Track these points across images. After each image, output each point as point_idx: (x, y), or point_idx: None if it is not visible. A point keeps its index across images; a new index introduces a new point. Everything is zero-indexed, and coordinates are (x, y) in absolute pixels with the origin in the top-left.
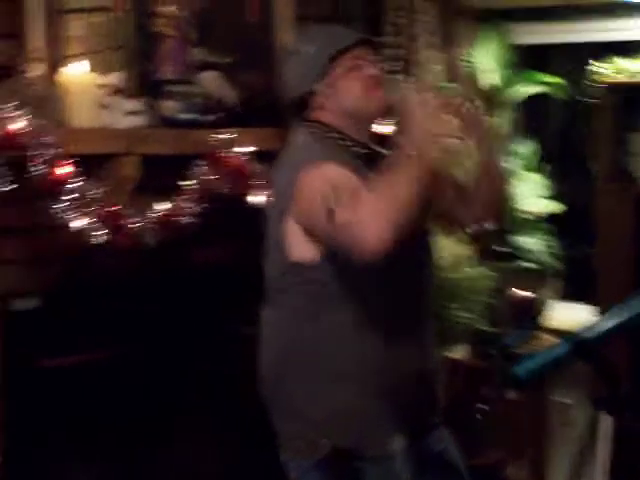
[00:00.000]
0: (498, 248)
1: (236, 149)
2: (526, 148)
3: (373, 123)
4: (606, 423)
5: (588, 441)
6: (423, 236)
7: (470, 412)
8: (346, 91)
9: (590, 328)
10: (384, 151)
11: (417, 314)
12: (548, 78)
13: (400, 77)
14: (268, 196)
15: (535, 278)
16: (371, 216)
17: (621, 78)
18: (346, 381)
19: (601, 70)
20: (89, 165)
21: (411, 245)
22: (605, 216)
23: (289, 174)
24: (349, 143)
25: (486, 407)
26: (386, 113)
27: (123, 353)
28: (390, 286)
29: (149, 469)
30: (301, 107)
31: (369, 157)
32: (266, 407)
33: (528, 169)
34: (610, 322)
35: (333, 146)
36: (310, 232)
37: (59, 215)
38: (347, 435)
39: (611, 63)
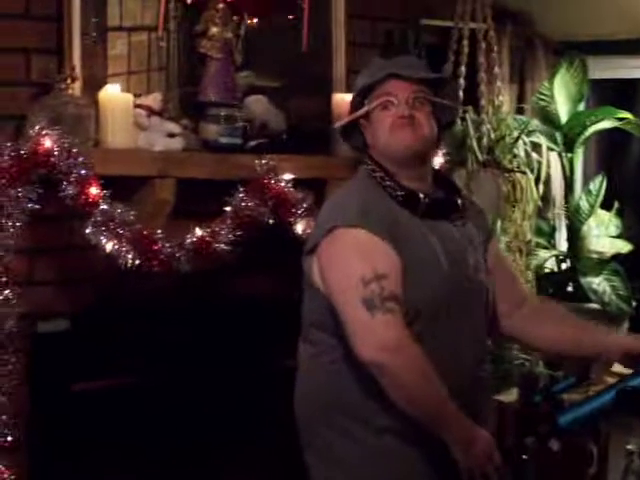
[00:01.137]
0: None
1: (279, 176)
2: (598, 185)
3: (415, 165)
4: None
5: None
6: (478, 284)
7: (516, 460)
8: (375, 128)
9: (635, 376)
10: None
11: (464, 361)
12: (624, 114)
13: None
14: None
15: (600, 320)
16: (384, 344)
17: None
18: (381, 427)
19: None
20: (123, 187)
21: (462, 294)
22: None
23: (327, 217)
24: (388, 184)
25: (526, 457)
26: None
27: (154, 378)
28: (434, 335)
29: None
30: (348, 136)
31: (413, 201)
32: (300, 445)
33: (598, 206)
34: None
35: (378, 188)
36: None
37: (90, 236)
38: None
39: None
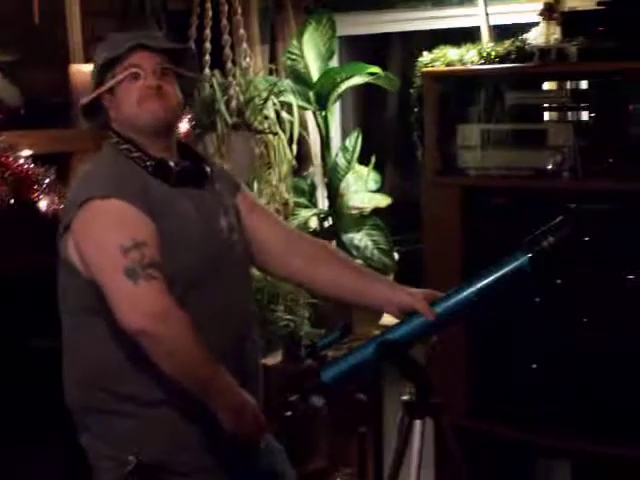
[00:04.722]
0: None
1: (18, 153)
2: (353, 141)
3: (164, 136)
4: (418, 427)
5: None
6: (234, 245)
7: (281, 419)
8: (121, 101)
9: (395, 328)
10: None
11: (233, 325)
12: (375, 69)
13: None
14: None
15: None
16: (148, 311)
17: (449, 68)
18: (152, 401)
19: (429, 60)
20: None
21: (220, 258)
22: (432, 210)
23: (78, 192)
24: (137, 155)
25: (291, 414)
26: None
27: None
28: (197, 302)
29: None
30: (90, 114)
31: (163, 170)
32: (74, 425)
33: (356, 162)
34: (415, 322)
35: (127, 161)
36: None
37: None
38: (155, 450)
39: (440, 52)
